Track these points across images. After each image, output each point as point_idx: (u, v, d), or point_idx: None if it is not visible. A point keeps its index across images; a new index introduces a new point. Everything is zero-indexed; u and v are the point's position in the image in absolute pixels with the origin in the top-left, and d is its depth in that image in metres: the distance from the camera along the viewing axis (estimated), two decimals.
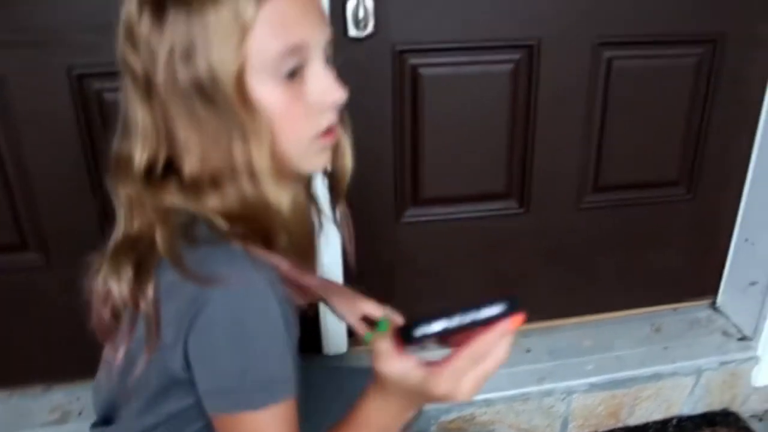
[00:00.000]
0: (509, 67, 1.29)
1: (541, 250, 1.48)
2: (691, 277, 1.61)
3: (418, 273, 1.45)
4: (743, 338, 1.54)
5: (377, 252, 1.39)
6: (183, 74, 0.64)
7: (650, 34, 1.32)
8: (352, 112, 0.74)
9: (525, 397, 1.41)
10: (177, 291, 0.62)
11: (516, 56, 1.29)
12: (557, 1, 1.26)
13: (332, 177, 0.80)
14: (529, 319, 0.59)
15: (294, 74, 0.66)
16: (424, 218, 1.39)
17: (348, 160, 0.78)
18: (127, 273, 0.64)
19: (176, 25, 0.63)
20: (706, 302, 1.65)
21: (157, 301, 0.63)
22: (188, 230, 0.66)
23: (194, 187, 0.67)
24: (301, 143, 0.69)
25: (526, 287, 1.51)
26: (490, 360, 0.60)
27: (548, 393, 1.42)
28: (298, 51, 0.65)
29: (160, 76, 0.64)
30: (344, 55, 1.16)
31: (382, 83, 1.26)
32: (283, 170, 0.68)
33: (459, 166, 1.35)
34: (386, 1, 1.20)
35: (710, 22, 1.34)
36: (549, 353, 1.49)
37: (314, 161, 0.72)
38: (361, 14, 1.18)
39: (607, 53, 1.32)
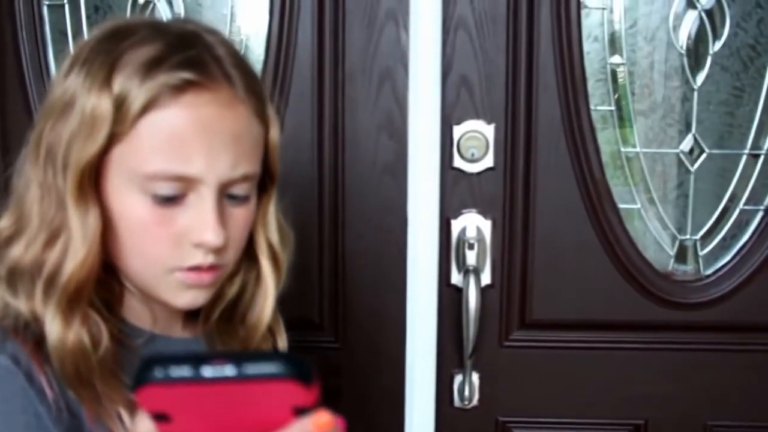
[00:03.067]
0: None
1: None
2: None
3: None
4: None
5: None
6: (49, 134, 0.62)
7: (761, 420, 1.28)
8: None
9: None
10: None
11: None
12: (666, 384, 1.26)
13: (243, 324, 0.73)
14: None
15: (171, 199, 0.62)
16: None
17: (265, 312, 0.72)
18: None
19: (71, 81, 0.62)
20: None
21: None
22: None
23: (10, 275, 0.64)
24: (154, 270, 0.64)
25: None
26: None
27: None
28: (182, 180, 0.61)
29: (35, 128, 0.63)
30: (448, 422, 1.25)
31: None
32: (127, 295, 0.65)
33: None
34: (492, 379, 1.25)
35: None
36: None
37: (173, 296, 0.65)
38: (467, 392, 1.24)
39: None
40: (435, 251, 1.19)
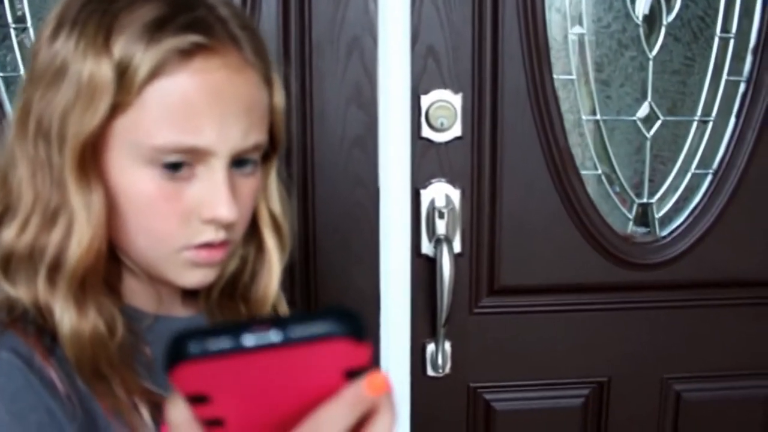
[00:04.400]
0: (580, 401, 1.34)
1: None
2: None
3: None
4: None
5: None
6: (39, 105, 0.57)
7: (718, 368, 1.36)
8: None
9: None
10: None
11: (586, 392, 1.33)
12: (626, 342, 1.32)
13: (246, 300, 0.70)
14: None
15: (179, 167, 0.58)
16: None
17: (270, 287, 0.69)
18: None
19: (60, 45, 0.57)
20: None
21: None
22: None
23: (5, 261, 0.59)
24: (161, 249, 0.60)
25: None
26: None
27: None
28: (192, 153, 0.57)
29: (20, 98, 0.59)
30: (422, 391, 1.26)
31: (456, 416, 1.31)
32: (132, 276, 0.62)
33: None
34: (463, 346, 1.27)
35: None
36: None
37: (181, 275, 0.62)
38: (440, 360, 1.25)
39: (676, 387, 1.36)
40: (407, 222, 1.20)
